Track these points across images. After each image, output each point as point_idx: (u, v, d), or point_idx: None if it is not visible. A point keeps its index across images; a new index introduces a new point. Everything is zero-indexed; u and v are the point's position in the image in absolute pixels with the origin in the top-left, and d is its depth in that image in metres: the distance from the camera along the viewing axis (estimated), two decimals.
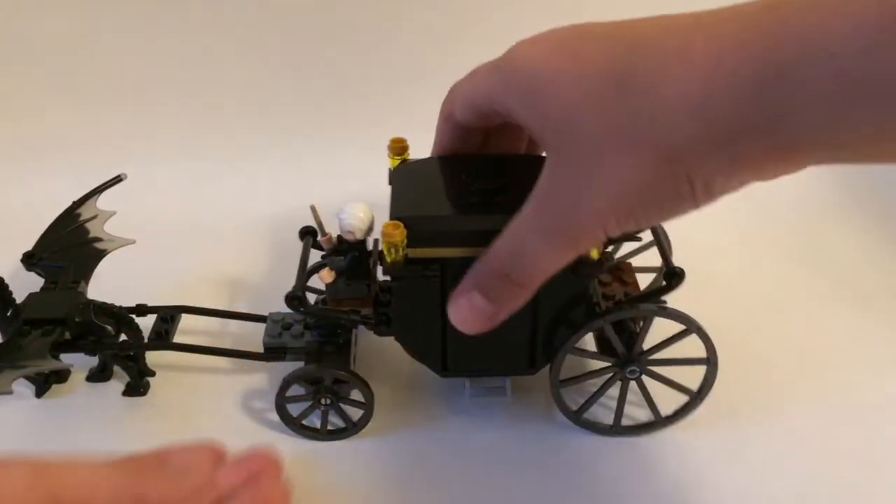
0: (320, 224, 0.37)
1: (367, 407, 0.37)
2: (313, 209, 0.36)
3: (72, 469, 0.27)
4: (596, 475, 0.36)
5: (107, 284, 0.42)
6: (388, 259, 0.33)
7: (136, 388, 0.40)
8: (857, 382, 0.41)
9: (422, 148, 0.37)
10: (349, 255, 0.36)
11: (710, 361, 0.36)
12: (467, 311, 0.31)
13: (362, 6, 0.56)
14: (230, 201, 0.56)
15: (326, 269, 0.36)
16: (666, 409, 0.38)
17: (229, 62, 0.58)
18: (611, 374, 0.37)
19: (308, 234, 0.39)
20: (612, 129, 0.25)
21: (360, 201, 0.35)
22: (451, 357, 0.36)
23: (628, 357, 0.36)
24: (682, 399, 0.38)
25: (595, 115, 0.25)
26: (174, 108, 0.58)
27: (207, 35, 0.57)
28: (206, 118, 0.58)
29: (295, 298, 0.35)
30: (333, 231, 0.36)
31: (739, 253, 0.52)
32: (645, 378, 0.37)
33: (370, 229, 0.36)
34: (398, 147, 0.37)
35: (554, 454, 0.37)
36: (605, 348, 0.38)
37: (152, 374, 0.41)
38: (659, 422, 0.38)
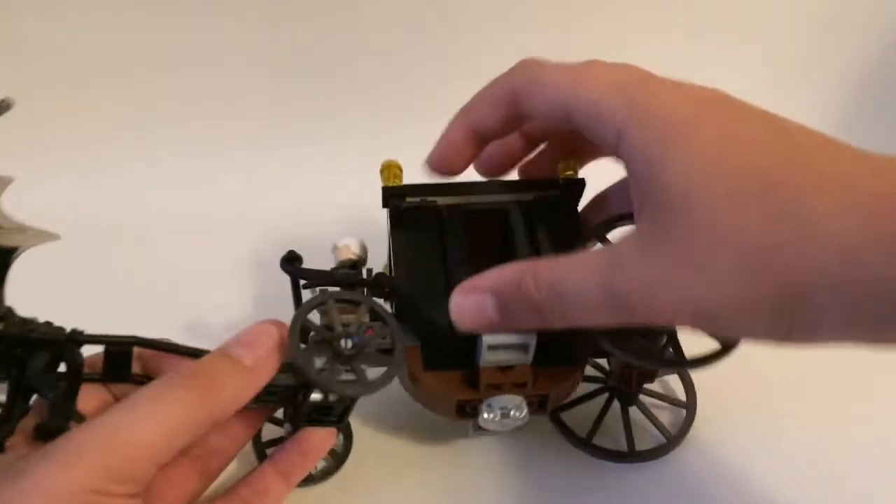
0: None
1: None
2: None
3: (220, 382, 0.27)
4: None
5: (105, 284, 0.42)
6: (386, 182, 0.33)
7: (54, 432, 0.27)
8: (851, 386, 0.41)
9: (420, 155, 0.35)
10: (345, 262, 0.34)
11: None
12: (471, 311, 0.29)
13: (365, 9, 0.56)
14: (230, 201, 0.56)
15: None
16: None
17: (230, 62, 0.57)
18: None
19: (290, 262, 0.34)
20: (737, 231, 0.22)
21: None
22: None
23: None
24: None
25: (725, 207, 0.22)
26: (175, 109, 0.58)
27: (208, 35, 0.56)
28: (207, 118, 0.58)
29: (292, 259, 0.33)
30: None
31: None
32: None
33: (363, 250, 0.35)
34: (392, 172, 0.35)
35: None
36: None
37: (81, 418, 0.28)
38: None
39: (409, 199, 0.33)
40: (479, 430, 0.33)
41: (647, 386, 0.37)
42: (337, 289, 0.32)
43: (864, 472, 0.36)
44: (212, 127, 0.58)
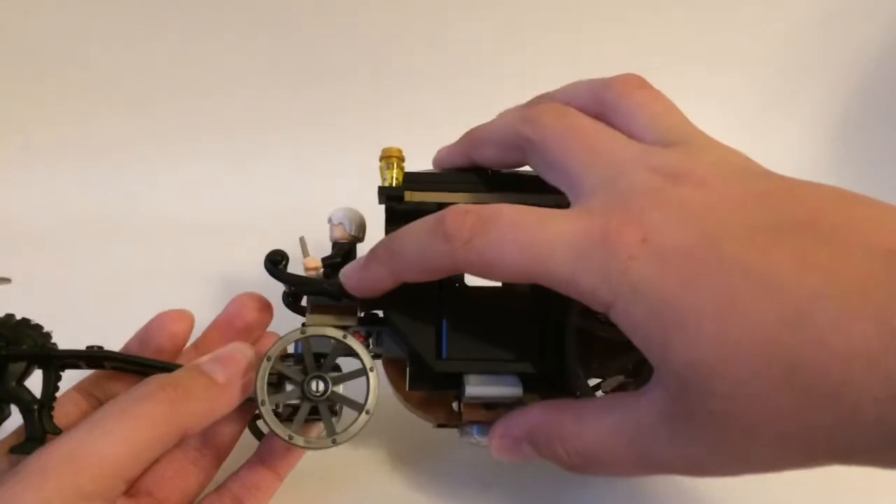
0: (307, 254, 0.33)
1: None
2: (302, 241, 0.32)
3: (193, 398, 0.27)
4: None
5: (103, 284, 0.42)
6: (386, 181, 0.30)
7: (32, 445, 0.26)
8: None
9: (419, 154, 0.35)
10: (338, 250, 0.32)
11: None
12: (510, 453, 0.29)
13: (364, 8, 0.56)
14: (230, 202, 0.56)
15: (310, 256, 0.32)
16: None
17: (230, 62, 0.57)
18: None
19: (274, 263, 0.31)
20: (770, 421, 0.21)
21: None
22: (449, 339, 0.30)
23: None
24: None
25: (749, 397, 0.21)
26: (175, 109, 0.58)
27: (207, 35, 0.57)
28: (208, 118, 0.58)
29: (277, 260, 0.31)
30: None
31: None
32: None
33: (361, 229, 0.33)
34: (396, 158, 0.32)
35: None
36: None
37: (58, 431, 0.27)
38: None
39: (407, 201, 0.31)
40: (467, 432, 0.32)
41: None
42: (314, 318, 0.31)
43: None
44: (212, 127, 0.58)
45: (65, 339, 0.30)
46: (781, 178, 0.25)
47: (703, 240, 0.22)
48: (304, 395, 0.29)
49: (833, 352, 0.20)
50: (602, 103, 0.29)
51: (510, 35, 0.56)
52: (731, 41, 0.58)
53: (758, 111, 0.59)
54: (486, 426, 0.30)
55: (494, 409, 0.30)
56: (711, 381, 0.21)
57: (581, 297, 0.24)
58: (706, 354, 0.21)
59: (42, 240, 0.49)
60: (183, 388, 0.27)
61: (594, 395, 0.30)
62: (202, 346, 0.34)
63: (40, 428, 0.27)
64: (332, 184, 0.53)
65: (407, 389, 0.31)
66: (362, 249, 0.32)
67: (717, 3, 0.57)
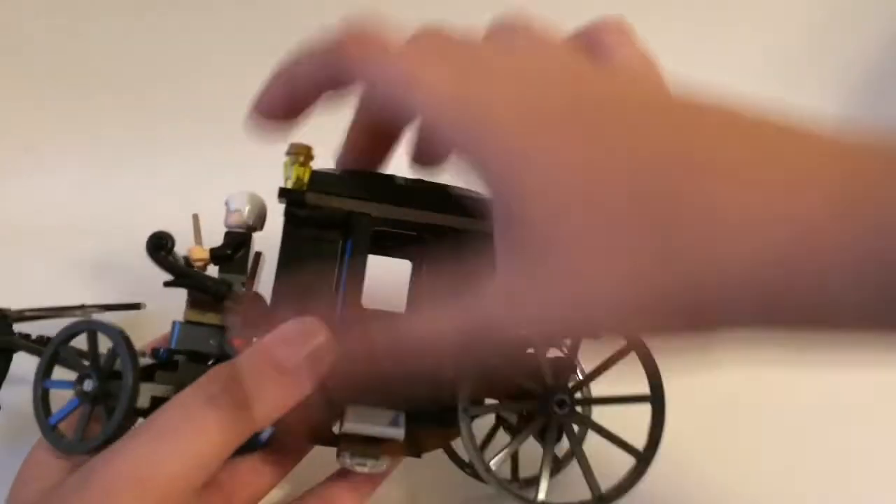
0: (199, 236, 0.30)
1: None
2: (195, 220, 0.30)
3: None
4: None
5: (102, 284, 0.42)
6: (289, 183, 0.27)
7: None
8: (849, 383, 0.40)
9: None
10: (229, 240, 0.30)
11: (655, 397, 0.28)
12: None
13: (364, 8, 0.56)
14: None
15: (198, 245, 0.29)
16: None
17: (230, 63, 0.57)
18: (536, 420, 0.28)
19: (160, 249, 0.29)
20: (623, 240, 0.19)
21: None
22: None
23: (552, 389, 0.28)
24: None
25: (607, 221, 0.20)
26: (173, 108, 0.58)
27: (208, 36, 0.57)
28: (207, 118, 0.58)
29: (160, 244, 0.28)
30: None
31: None
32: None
33: (260, 219, 0.30)
34: (303, 155, 0.29)
35: None
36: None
37: None
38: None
39: (310, 203, 0.28)
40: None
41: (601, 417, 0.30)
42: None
43: None
44: (212, 127, 0.58)
45: None
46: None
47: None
48: (81, 391, 0.26)
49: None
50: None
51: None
52: (731, 41, 0.58)
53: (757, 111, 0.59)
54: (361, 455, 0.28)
55: (373, 445, 0.27)
56: (566, 199, 0.20)
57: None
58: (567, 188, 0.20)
59: (41, 240, 0.49)
60: (250, 387, 0.24)
61: (486, 469, 0.27)
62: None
63: None
64: None
65: None
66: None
67: (716, 3, 0.57)
